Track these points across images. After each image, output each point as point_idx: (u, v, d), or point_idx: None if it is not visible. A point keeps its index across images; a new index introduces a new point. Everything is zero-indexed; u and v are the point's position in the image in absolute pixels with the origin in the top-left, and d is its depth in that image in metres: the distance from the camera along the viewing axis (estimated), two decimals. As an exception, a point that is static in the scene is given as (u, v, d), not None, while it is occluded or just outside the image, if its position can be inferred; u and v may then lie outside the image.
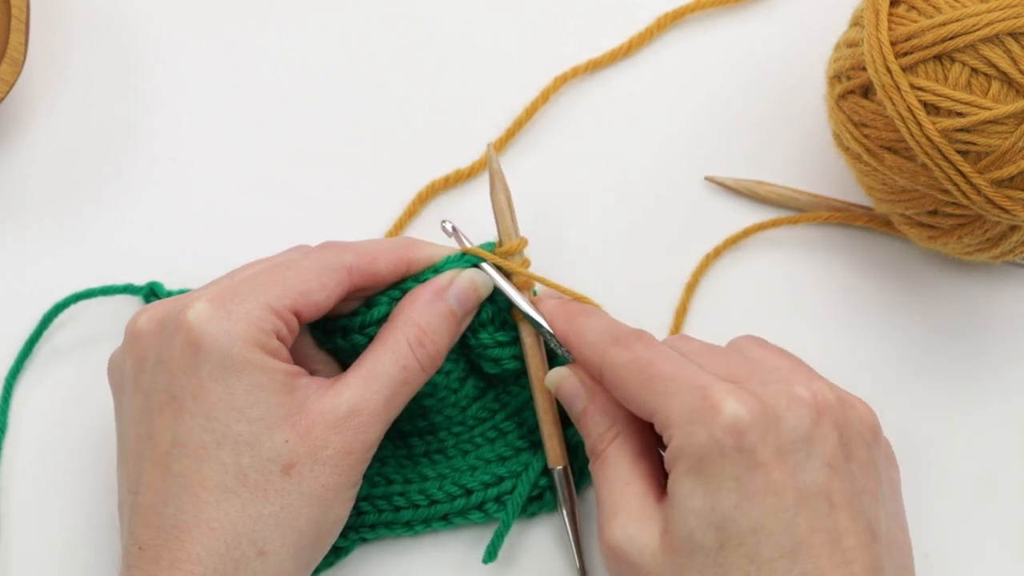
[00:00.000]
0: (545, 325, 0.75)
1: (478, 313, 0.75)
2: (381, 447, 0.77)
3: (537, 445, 0.77)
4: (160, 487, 0.69)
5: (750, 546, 0.65)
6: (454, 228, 0.76)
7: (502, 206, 0.76)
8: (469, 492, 0.76)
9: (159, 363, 0.70)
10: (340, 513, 0.71)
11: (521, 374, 0.77)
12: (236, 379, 0.68)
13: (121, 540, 0.71)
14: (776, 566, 0.64)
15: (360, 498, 0.76)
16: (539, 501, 0.77)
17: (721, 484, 0.65)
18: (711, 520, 0.65)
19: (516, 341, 0.76)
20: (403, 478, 0.77)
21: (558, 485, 0.76)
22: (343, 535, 0.76)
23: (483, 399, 0.77)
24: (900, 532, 0.69)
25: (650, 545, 0.67)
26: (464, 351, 0.76)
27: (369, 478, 0.76)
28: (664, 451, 0.68)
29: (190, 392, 0.68)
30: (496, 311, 0.76)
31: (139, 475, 0.70)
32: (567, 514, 0.76)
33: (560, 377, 0.74)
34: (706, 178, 0.82)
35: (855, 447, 0.68)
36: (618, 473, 0.70)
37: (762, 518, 0.65)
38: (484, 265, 0.75)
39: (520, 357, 0.76)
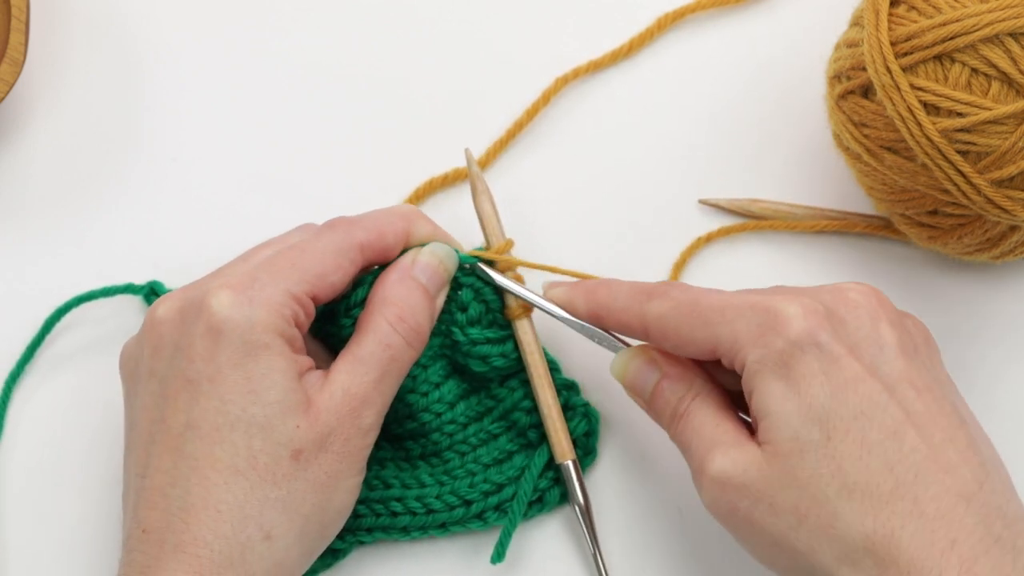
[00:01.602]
0: (561, 312, 0.74)
1: (467, 310, 0.75)
2: (380, 448, 0.76)
3: (529, 448, 0.77)
4: (169, 468, 0.69)
5: (856, 431, 0.66)
6: (471, 268, 0.76)
7: (486, 209, 0.77)
8: (468, 503, 0.76)
9: (178, 350, 0.70)
10: (343, 500, 0.71)
11: (507, 376, 0.77)
12: (254, 364, 0.69)
13: (123, 526, 0.71)
14: (886, 447, 0.65)
15: (358, 501, 0.75)
16: (538, 504, 0.77)
17: (811, 381, 0.66)
18: (811, 416, 0.66)
19: (506, 340, 0.76)
20: (401, 483, 0.76)
21: (568, 479, 0.76)
22: (340, 537, 0.76)
23: (468, 400, 0.77)
24: (979, 426, 0.70)
25: (755, 462, 0.67)
26: (447, 350, 0.76)
27: (368, 481, 0.76)
28: (740, 385, 0.69)
29: (207, 376, 0.69)
30: (486, 309, 0.76)
31: (148, 458, 0.70)
32: (579, 508, 0.76)
33: (628, 357, 0.73)
34: (700, 201, 0.82)
35: (917, 343, 0.70)
36: (706, 420, 0.70)
37: (860, 404, 0.66)
38: (484, 268, 0.76)
39: (508, 355, 0.76)
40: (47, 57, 0.84)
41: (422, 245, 0.75)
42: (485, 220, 0.77)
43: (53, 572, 0.78)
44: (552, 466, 0.77)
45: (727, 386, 0.72)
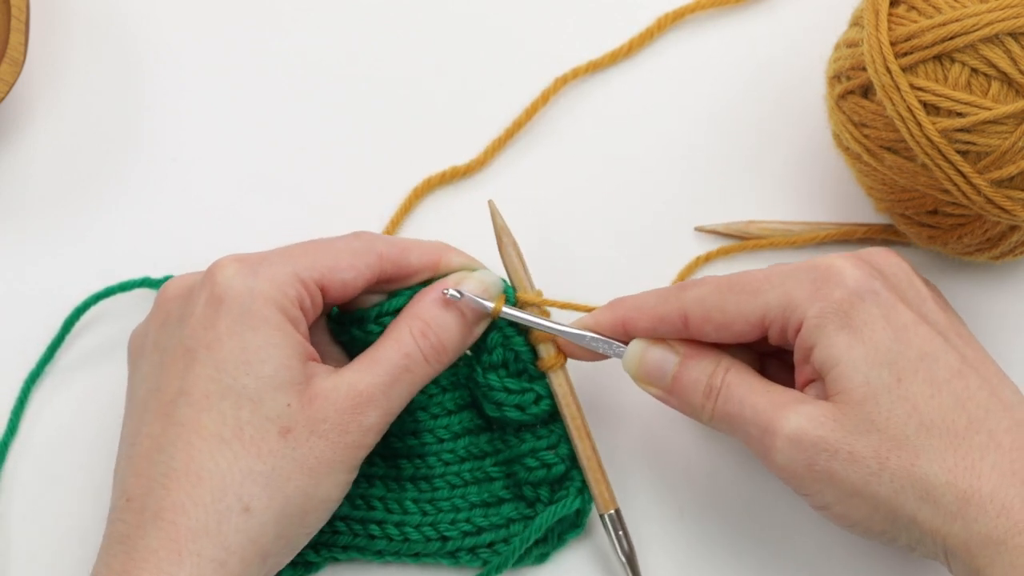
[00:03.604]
0: (586, 335, 0.73)
1: (491, 354, 0.74)
2: (372, 464, 0.76)
3: (520, 500, 0.76)
4: (158, 435, 0.69)
5: (925, 371, 0.67)
6: (461, 294, 0.73)
7: (513, 261, 0.75)
8: (445, 539, 0.75)
9: (181, 320, 0.71)
10: (329, 492, 0.70)
11: (521, 427, 0.76)
12: (252, 335, 0.69)
13: (111, 498, 0.70)
14: (954, 385, 0.67)
15: (338, 517, 0.75)
16: (525, 558, 0.76)
17: (874, 326, 0.67)
18: (879, 360, 0.67)
19: (524, 392, 0.75)
20: (384, 506, 0.76)
21: (614, 529, 0.75)
22: (315, 551, 0.75)
23: (476, 437, 0.76)
24: None
25: (829, 414, 0.67)
26: (472, 383, 0.76)
27: (351, 499, 0.76)
28: (793, 347, 0.70)
29: (205, 344, 0.69)
30: (513, 357, 0.75)
31: (140, 426, 0.70)
32: (625, 556, 0.75)
33: (642, 347, 0.72)
34: (696, 228, 0.82)
35: (944, 301, 0.72)
36: (752, 386, 0.70)
37: (923, 345, 0.67)
38: (506, 309, 0.74)
39: (524, 408, 0.75)
40: (47, 57, 0.84)
41: (472, 270, 0.74)
42: (512, 272, 0.75)
43: (74, 572, 0.77)
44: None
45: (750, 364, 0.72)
